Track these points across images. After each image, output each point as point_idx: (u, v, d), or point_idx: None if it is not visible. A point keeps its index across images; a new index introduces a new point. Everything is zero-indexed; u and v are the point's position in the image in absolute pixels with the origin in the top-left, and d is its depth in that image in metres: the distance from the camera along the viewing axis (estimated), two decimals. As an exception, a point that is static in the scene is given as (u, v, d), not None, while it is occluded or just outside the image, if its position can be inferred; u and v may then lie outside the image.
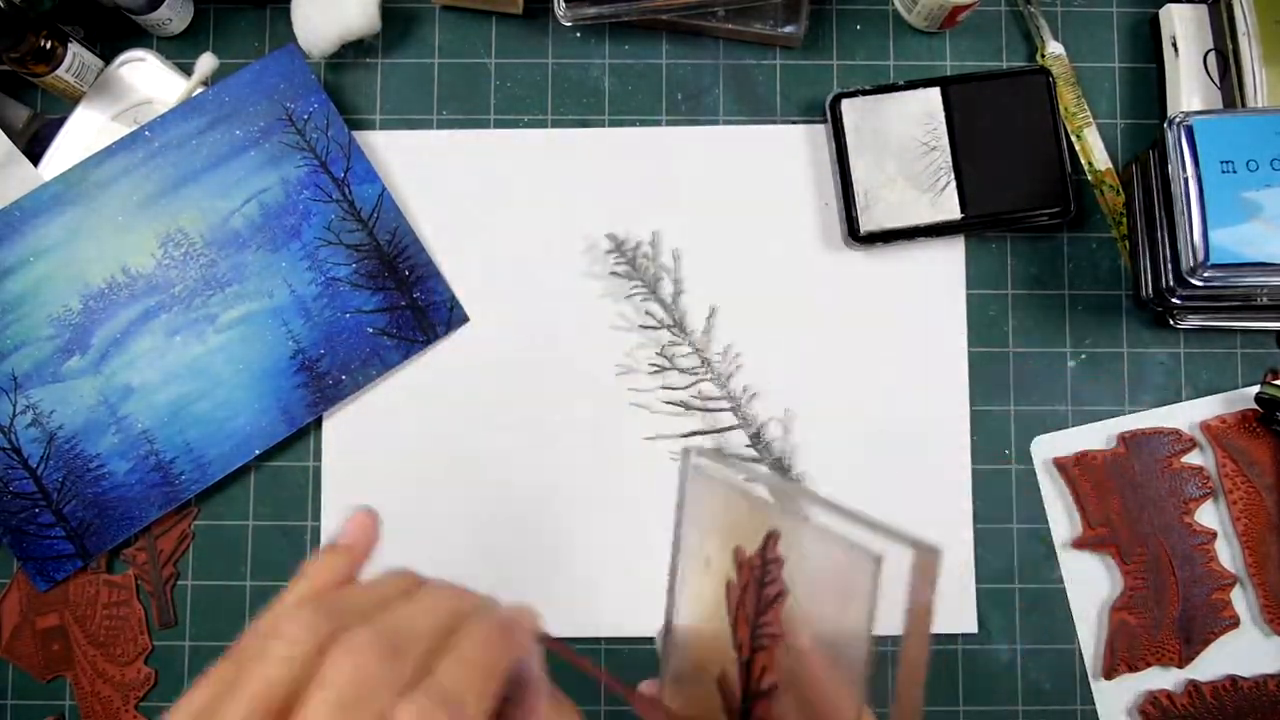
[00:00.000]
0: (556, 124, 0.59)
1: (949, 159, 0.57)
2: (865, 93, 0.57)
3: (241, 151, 0.56)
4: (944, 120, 0.57)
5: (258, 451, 0.56)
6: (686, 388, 0.58)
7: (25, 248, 0.55)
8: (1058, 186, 0.57)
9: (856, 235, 0.57)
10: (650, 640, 0.56)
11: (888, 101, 0.57)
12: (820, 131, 0.59)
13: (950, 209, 0.57)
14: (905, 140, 0.57)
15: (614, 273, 0.58)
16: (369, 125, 0.59)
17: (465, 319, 0.57)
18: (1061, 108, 0.58)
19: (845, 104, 0.57)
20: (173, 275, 0.56)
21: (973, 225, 0.57)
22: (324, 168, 0.56)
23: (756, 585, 0.32)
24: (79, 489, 0.55)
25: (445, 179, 0.58)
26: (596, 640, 0.57)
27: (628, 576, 0.57)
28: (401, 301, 0.57)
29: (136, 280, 0.56)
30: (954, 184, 0.57)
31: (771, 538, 0.32)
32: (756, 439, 0.57)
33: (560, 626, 0.56)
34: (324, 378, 0.56)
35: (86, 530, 0.55)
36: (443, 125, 0.59)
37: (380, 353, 0.57)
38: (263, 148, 0.56)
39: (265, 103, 0.57)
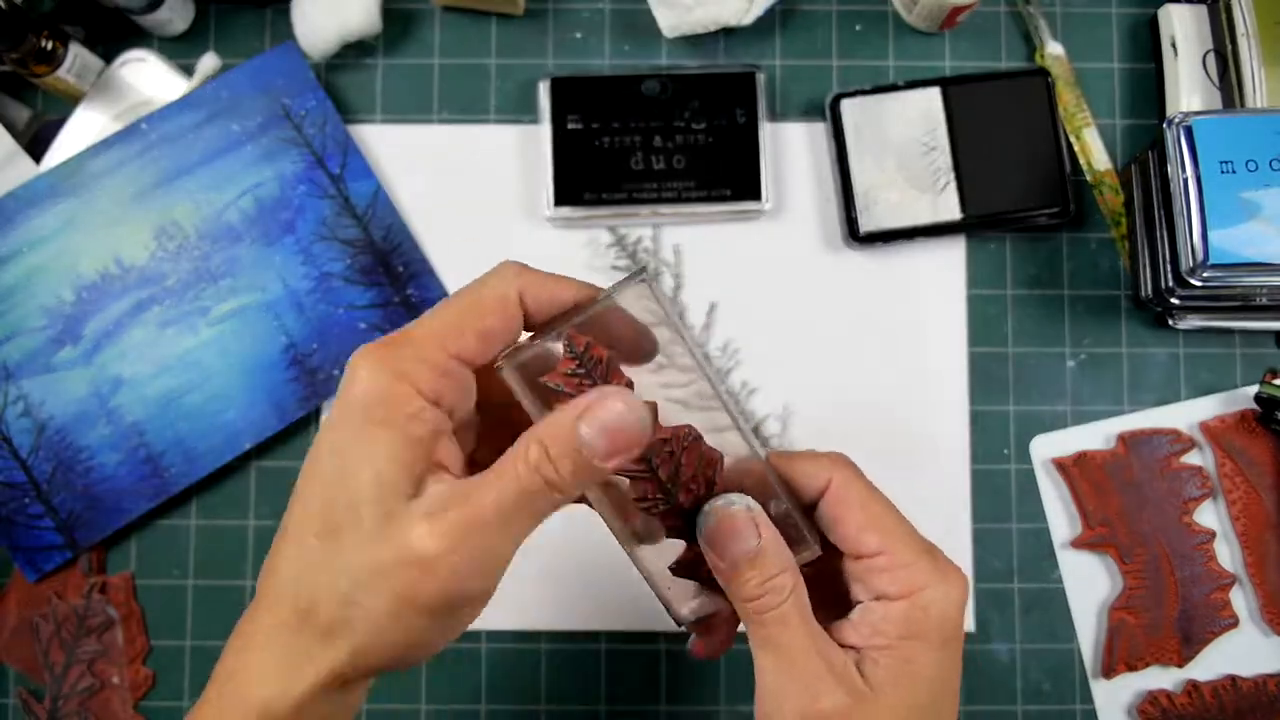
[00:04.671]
0: (556, 124, 0.59)
1: (949, 159, 0.57)
2: (865, 93, 0.57)
3: (238, 146, 0.56)
4: (944, 120, 0.57)
5: (248, 445, 0.56)
6: (685, 385, 0.58)
7: (19, 238, 0.55)
8: (1057, 186, 0.57)
9: (856, 235, 0.57)
10: (647, 635, 0.56)
11: (888, 101, 0.57)
12: (820, 131, 0.59)
13: (950, 209, 0.57)
14: (905, 140, 0.57)
15: (615, 268, 0.58)
16: (369, 125, 0.59)
17: None
18: (1061, 108, 0.58)
19: (845, 104, 0.57)
20: (166, 268, 0.56)
21: (973, 225, 0.57)
22: (320, 163, 0.57)
23: (588, 368, 0.31)
24: (69, 480, 0.55)
25: (444, 174, 0.59)
26: (596, 635, 0.57)
27: (626, 570, 0.56)
28: (395, 298, 0.57)
29: (129, 272, 0.56)
30: (954, 184, 0.57)
31: (569, 335, 0.31)
32: (755, 435, 0.57)
33: (559, 619, 0.56)
34: (316, 372, 0.56)
35: (76, 521, 0.55)
36: (442, 125, 0.59)
37: None
38: (259, 143, 0.57)
39: (263, 98, 0.57)
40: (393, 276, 0.57)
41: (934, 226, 0.57)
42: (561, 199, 0.57)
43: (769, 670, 0.32)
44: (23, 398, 0.55)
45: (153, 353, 0.56)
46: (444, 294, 0.57)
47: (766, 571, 0.32)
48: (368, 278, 0.57)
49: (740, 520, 0.32)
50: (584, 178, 0.57)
